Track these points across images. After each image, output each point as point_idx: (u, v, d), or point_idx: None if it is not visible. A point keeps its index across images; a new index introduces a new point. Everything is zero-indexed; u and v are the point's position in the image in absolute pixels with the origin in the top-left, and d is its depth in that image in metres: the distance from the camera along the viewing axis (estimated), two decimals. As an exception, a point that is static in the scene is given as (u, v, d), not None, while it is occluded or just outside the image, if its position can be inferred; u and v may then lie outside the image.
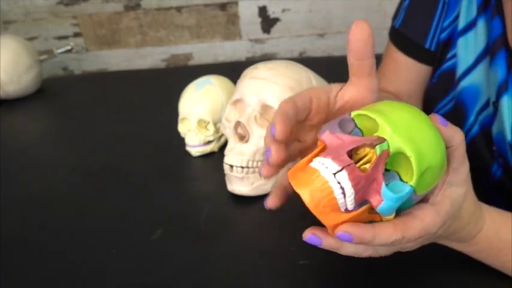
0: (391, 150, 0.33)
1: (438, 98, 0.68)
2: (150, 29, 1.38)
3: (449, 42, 0.66)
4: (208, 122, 0.78)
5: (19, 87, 1.07)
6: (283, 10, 1.36)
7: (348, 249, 0.37)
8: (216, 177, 0.71)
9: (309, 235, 0.36)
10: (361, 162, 0.34)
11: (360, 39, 0.37)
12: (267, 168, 0.37)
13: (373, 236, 0.34)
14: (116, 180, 0.75)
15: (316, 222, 0.36)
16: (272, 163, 0.36)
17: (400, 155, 0.34)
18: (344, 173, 0.32)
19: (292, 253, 0.56)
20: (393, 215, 0.35)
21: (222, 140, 0.80)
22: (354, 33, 0.37)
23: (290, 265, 0.54)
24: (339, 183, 0.33)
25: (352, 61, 0.38)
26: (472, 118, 0.63)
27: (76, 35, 1.39)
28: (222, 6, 1.35)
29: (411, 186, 0.34)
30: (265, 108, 0.64)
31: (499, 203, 0.49)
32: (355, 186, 0.32)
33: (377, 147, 0.33)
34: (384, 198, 0.33)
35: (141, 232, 0.62)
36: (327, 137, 0.35)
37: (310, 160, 0.34)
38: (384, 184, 0.33)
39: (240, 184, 0.66)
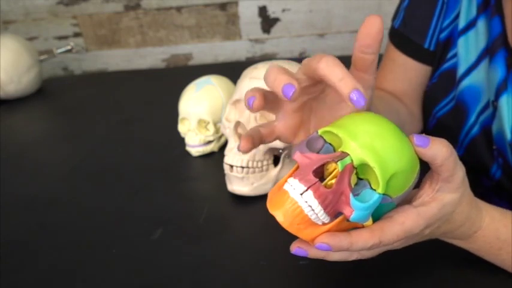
0: (356, 162, 0.36)
1: (439, 98, 0.68)
2: (150, 29, 1.38)
3: (449, 42, 0.66)
4: (208, 122, 0.78)
5: (19, 87, 1.07)
6: (283, 10, 1.36)
7: (334, 257, 0.39)
8: (216, 177, 0.71)
9: (295, 248, 0.38)
10: (330, 177, 0.36)
11: (368, 34, 0.37)
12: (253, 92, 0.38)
13: (350, 243, 0.36)
14: (116, 180, 0.75)
15: None
16: (295, 97, 0.36)
17: (366, 165, 0.36)
18: (309, 192, 0.35)
19: (292, 253, 0.56)
20: (370, 221, 0.37)
21: (222, 140, 0.80)
22: (365, 27, 0.37)
23: (290, 265, 0.54)
24: (306, 201, 0.35)
25: (356, 53, 0.39)
26: (472, 118, 0.63)
27: (76, 35, 1.39)
28: (222, 6, 1.35)
29: (379, 193, 0.35)
30: (265, 108, 0.64)
31: (498, 204, 0.49)
32: (322, 202, 0.35)
33: (339, 164, 0.35)
34: (354, 209, 0.35)
35: (141, 232, 0.62)
36: (297, 157, 0.37)
37: (285, 181, 0.37)
38: (351, 196, 0.35)
39: (240, 184, 0.66)
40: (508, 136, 0.57)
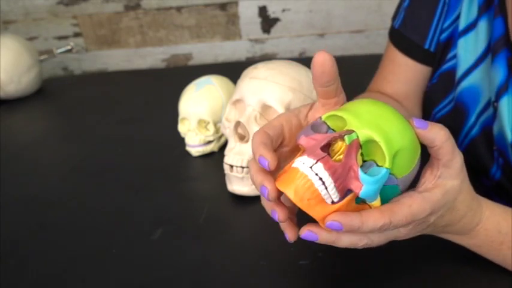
0: (361, 139, 0.36)
1: (438, 99, 0.68)
2: (150, 29, 1.39)
3: (449, 43, 0.66)
4: (208, 122, 0.78)
5: (19, 87, 1.07)
6: (283, 10, 1.36)
7: (343, 241, 0.38)
8: (216, 177, 0.71)
9: (305, 232, 0.38)
10: (338, 154, 0.37)
11: (323, 72, 0.39)
12: (272, 206, 0.39)
13: (361, 222, 0.36)
14: (116, 180, 0.75)
15: (314, 221, 0.37)
16: (273, 198, 0.38)
17: (371, 143, 0.37)
18: (319, 164, 0.35)
19: (292, 253, 0.56)
20: (378, 200, 0.37)
21: (222, 140, 0.80)
22: (317, 69, 0.39)
23: (290, 265, 0.54)
24: (316, 174, 0.35)
25: (318, 89, 0.41)
26: (472, 119, 0.63)
27: (76, 35, 1.40)
28: (222, 6, 1.35)
29: (386, 168, 0.36)
30: (265, 108, 0.64)
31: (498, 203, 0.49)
32: (332, 175, 0.35)
33: (346, 137, 0.36)
34: (363, 183, 0.35)
35: (141, 232, 0.62)
36: (303, 140, 0.38)
37: (293, 162, 0.37)
38: (360, 170, 0.35)
39: (240, 184, 0.66)
40: (509, 137, 0.57)
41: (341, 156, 0.36)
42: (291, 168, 0.37)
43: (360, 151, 0.36)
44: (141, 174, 0.76)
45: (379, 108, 0.39)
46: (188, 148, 0.79)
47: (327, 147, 0.37)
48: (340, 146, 0.37)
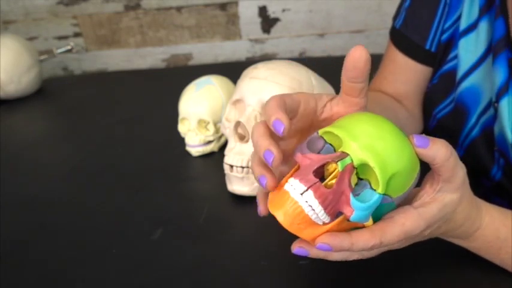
0: (356, 162, 0.36)
1: (439, 99, 0.68)
2: (150, 29, 1.39)
3: (450, 44, 0.66)
4: (208, 122, 0.78)
5: (19, 87, 1.07)
6: (283, 10, 1.36)
7: (334, 257, 0.39)
8: (216, 177, 0.71)
9: (296, 248, 0.39)
10: (330, 177, 0.36)
11: (355, 67, 0.38)
12: (262, 171, 0.38)
13: (351, 243, 0.36)
14: (116, 180, 0.75)
15: None
16: (276, 165, 0.36)
17: (366, 165, 0.36)
18: (310, 192, 0.35)
19: (292, 253, 0.56)
20: (370, 221, 0.37)
21: (222, 140, 0.80)
22: (352, 58, 0.37)
23: (290, 265, 0.54)
24: (306, 201, 0.35)
25: (344, 81, 0.39)
26: (473, 120, 0.63)
27: (76, 35, 1.40)
28: (222, 6, 1.35)
29: (379, 194, 0.36)
30: (265, 108, 0.64)
31: (499, 204, 0.49)
32: (322, 202, 0.35)
33: (339, 163, 0.36)
34: (354, 209, 0.35)
35: (141, 232, 0.62)
36: (298, 158, 0.38)
37: (286, 181, 0.37)
38: (351, 196, 0.35)
39: (240, 184, 0.66)
40: (510, 138, 0.57)
41: (333, 181, 0.36)
42: (282, 190, 0.37)
43: (354, 172, 0.36)
44: (141, 174, 0.76)
45: (377, 127, 0.37)
46: (188, 148, 0.79)
47: (321, 167, 0.37)
48: (334, 167, 0.36)
